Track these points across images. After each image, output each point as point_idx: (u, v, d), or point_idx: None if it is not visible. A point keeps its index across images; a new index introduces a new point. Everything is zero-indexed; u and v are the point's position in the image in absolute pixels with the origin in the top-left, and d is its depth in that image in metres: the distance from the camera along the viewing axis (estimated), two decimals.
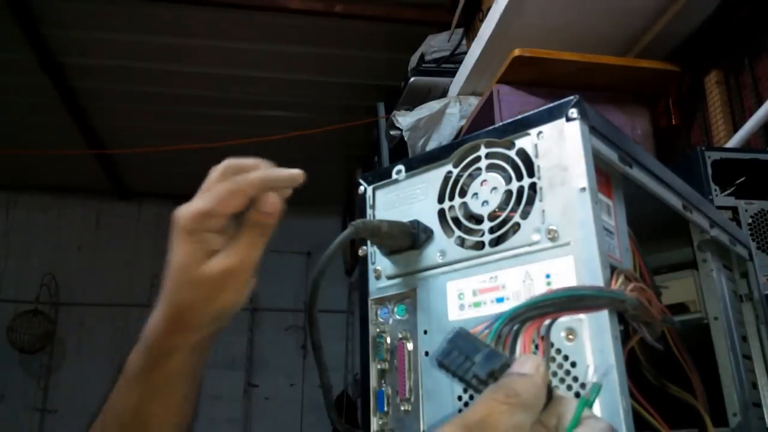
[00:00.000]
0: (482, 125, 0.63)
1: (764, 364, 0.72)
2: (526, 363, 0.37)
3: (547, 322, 0.41)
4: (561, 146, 0.47)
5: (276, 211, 0.51)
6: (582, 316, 0.42)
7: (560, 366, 0.43)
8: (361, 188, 0.60)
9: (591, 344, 0.42)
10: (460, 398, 0.47)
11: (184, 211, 0.50)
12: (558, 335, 0.43)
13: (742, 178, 1.15)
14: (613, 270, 0.45)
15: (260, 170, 0.52)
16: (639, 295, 0.45)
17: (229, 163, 0.54)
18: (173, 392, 0.55)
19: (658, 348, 0.50)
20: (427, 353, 0.50)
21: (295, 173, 0.53)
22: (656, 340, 0.49)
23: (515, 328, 0.39)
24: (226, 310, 0.52)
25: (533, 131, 0.49)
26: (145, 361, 0.53)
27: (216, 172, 0.53)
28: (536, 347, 0.41)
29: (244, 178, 0.51)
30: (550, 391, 0.37)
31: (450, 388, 0.47)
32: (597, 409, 0.40)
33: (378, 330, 0.54)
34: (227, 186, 0.50)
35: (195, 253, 0.50)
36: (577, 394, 0.41)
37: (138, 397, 0.53)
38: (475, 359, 0.36)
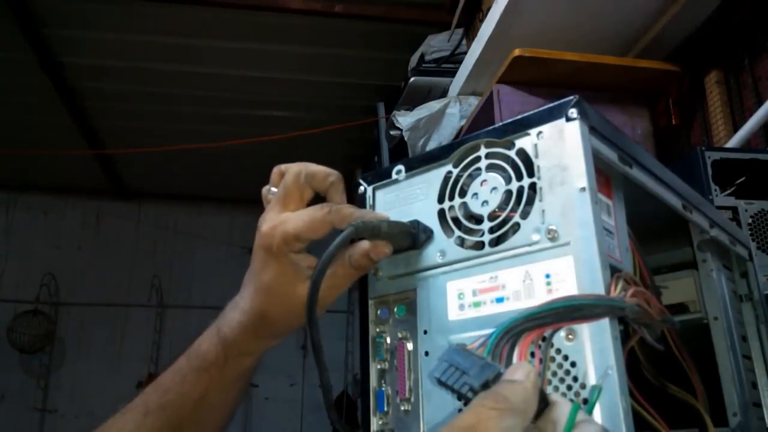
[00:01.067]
0: (482, 125, 0.63)
1: (764, 364, 0.72)
2: (518, 370, 0.37)
3: (546, 333, 0.41)
4: (561, 146, 0.47)
5: (381, 258, 0.52)
6: None
7: (560, 366, 0.43)
8: (361, 188, 0.60)
9: (591, 344, 0.42)
10: (460, 398, 0.47)
11: (274, 233, 0.51)
12: (558, 335, 0.43)
13: (742, 178, 1.15)
14: (612, 273, 0.45)
15: (354, 208, 0.52)
16: (639, 299, 0.45)
17: (302, 167, 0.55)
18: (238, 387, 0.59)
19: (658, 348, 0.50)
20: (427, 353, 0.50)
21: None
22: (656, 340, 0.49)
23: (511, 340, 0.39)
24: (302, 324, 0.54)
25: (533, 131, 0.49)
26: (222, 356, 0.55)
27: (290, 175, 0.54)
28: (532, 355, 0.41)
29: (341, 214, 0.51)
30: (544, 398, 0.37)
31: None
32: (597, 409, 0.40)
33: (378, 330, 0.54)
34: (323, 215, 0.51)
35: (286, 274, 0.52)
36: (577, 394, 0.41)
37: (206, 387, 0.56)
38: (471, 372, 0.37)
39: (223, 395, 0.58)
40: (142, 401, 0.58)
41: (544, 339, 0.42)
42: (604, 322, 0.42)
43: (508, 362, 0.38)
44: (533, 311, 0.40)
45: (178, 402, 0.56)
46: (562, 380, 0.42)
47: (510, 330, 0.39)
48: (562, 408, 0.37)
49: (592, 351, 0.41)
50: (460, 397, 0.37)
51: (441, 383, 0.38)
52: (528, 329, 0.40)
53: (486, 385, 0.36)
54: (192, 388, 0.56)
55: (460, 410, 0.47)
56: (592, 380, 0.41)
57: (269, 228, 0.52)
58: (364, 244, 0.51)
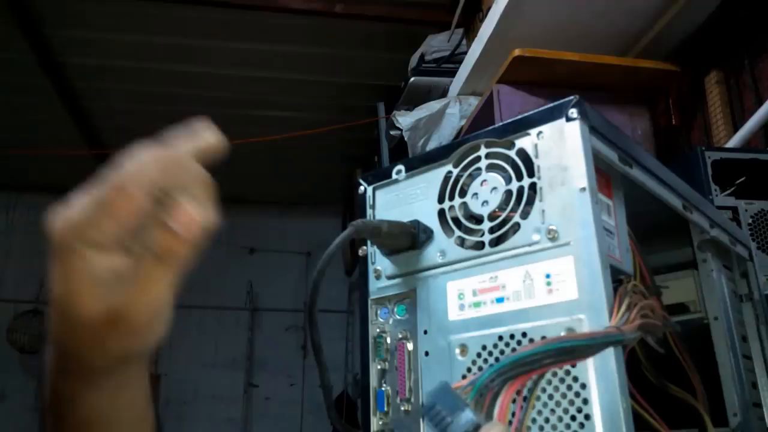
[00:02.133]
0: (482, 125, 0.63)
1: (764, 364, 0.72)
2: (491, 431, 0.36)
3: (530, 381, 0.40)
4: (561, 146, 0.47)
5: (194, 229, 0.36)
6: (582, 315, 0.43)
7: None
8: (361, 188, 0.60)
9: None
10: None
11: (59, 223, 0.36)
12: (558, 335, 0.43)
13: (742, 178, 1.15)
14: (613, 275, 0.44)
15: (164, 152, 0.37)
16: (646, 311, 0.44)
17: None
18: None
19: (660, 351, 0.50)
20: (427, 353, 0.50)
21: (213, 139, 0.39)
22: (657, 341, 0.49)
23: (497, 386, 0.39)
24: (124, 356, 0.39)
25: (533, 131, 0.49)
26: (51, 407, 0.41)
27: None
28: (514, 409, 0.40)
29: (136, 171, 0.36)
30: None
31: None
32: (596, 409, 0.40)
33: (378, 330, 0.54)
34: (113, 184, 0.35)
35: (73, 279, 0.36)
36: (578, 394, 0.42)
37: None
38: (453, 418, 0.37)
39: None
40: None
41: (529, 389, 0.41)
42: (605, 322, 0.42)
43: (490, 411, 0.38)
44: (524, 354, 0.39)
45: None
46: (562, 380, 0.42)
47: (500, 374, 0.39)
48: None
49: None
50: None
51: (425, 419, 0.39)
52: (515, 376, 0.39)
53: None
54: None
55: None
56: (592, 379, 0.41)
57: (56, 219, 0.37)
58: (165, 217, 0.35)
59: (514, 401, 0.40)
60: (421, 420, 0.49)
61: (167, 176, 0.36)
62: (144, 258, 0.36)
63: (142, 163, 0.36)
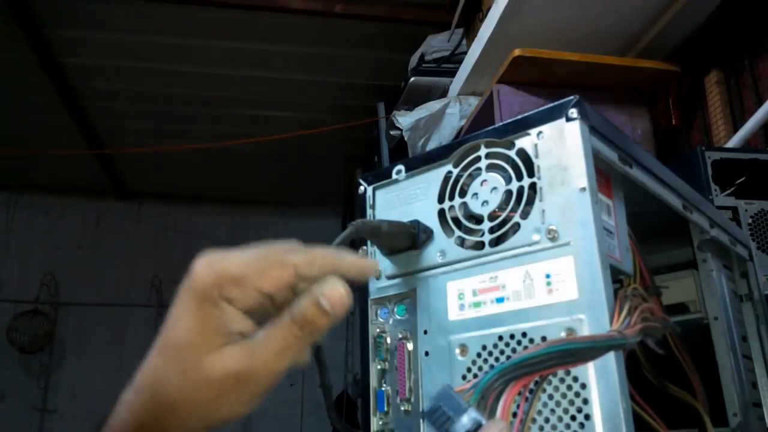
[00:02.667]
0: (482, 125, 0.63)
1: (764, 364, 0.72)
2: (491, 429, 0.37)
3: (532, 382, 0.40)
4: (561, 146, 0.47)
5: (341, 309, 0.38)
6: (582, 315, 0.43)
7: None
8: (361, 188, 0.60)
9: None
10: None
11: (208, 269, 0.38)
12: (558, 335, 0.43)
13: (742, 178, 1.15)
14: (616, 293, 0.44)
15: (324, 250, 0.41)
16: (644, 323, 0.44)
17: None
18: None
19: (660, 352, 0.50)
20: (427, 353, 0.50)
21: (368, 264, 0.44)
22: (656, 342, 0.49)
23: (500, 387, 0.39)
24: (221, 420, 0.39)
25: (533, 131, 0.49)
26: None
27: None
28: (514, 413, 0.41)
29: (303, 253, 0.39)
30: None
31: None
32: (596, 409, 0.40)
33: (378, 330, 0.54)
34: (277, 255, 0.39)
35: (205, 329, 0.37)
36: (578, 394, 0.42)
37: None
38: (455, 419, 0.37)
39: None
40: None
41: (531, 391, 0.41)
42: (604, 322, 0.42)
43: (492, 411, 0.38)
44: (527, 356, 0.39)
45: None
46: (562, 380, 0.42)
47: (501, 376, 0.39)
48: None
49: None
50: None
51: (428, 422, 0.39)
52: (517, 377, 0.39)
53: None
54: None
55: None
56: (592, 379, 0.41)
57: (204, 264, 0.38)
58: (316, 291, 0.38)
59: (518, 406, 0.40)
60: (421, 421, 0.49)
61: (324, 268, 0.40)
62: (284, 325, 0.38)
63: (304, 248, 0.40)
